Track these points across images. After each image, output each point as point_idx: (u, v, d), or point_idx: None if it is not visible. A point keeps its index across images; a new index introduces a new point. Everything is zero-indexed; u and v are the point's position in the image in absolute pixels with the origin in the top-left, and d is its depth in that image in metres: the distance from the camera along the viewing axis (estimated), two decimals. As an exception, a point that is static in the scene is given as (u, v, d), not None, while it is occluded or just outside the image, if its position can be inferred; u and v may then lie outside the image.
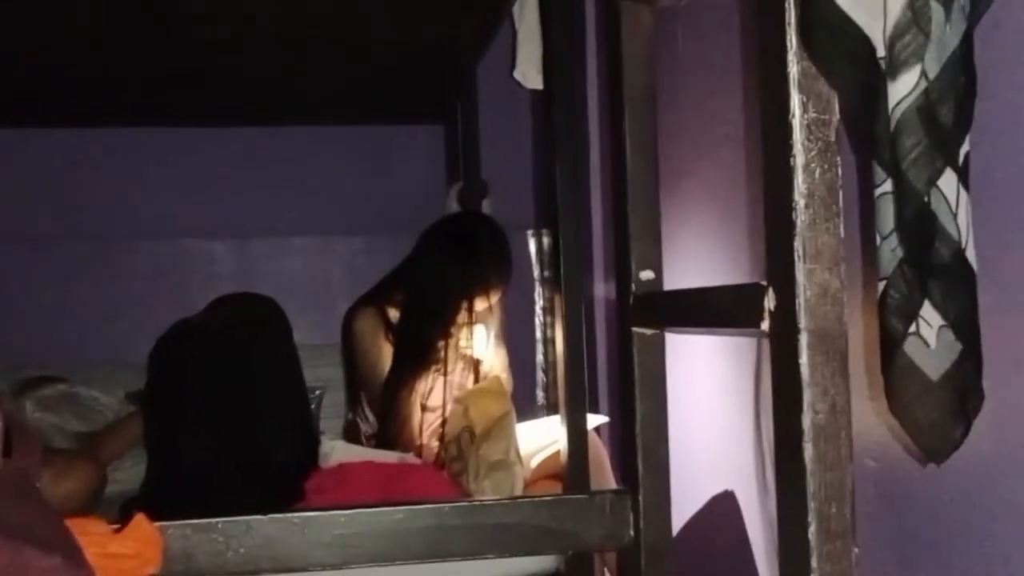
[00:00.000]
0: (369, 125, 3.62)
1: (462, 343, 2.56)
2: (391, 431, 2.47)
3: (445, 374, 2.54)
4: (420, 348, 2.51)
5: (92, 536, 0.96)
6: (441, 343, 2.52)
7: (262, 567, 1.38)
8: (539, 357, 3.06)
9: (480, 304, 2.54)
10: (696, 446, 2.14)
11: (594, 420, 2.35)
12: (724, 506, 2.04)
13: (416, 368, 2.49)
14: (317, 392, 2.96)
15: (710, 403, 2.10)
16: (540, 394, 3.07)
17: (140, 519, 1.11)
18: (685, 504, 2.10)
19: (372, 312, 2.60)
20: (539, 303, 3.04)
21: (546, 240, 2.96)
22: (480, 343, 2.57)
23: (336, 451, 2.13)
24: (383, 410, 2.50)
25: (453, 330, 2.53)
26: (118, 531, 1.08)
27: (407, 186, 2.91)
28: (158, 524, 1.26)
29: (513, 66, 2.63)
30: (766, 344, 1.06)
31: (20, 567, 0.78)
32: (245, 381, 2.10)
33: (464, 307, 2.52)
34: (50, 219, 3.47)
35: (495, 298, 2.57)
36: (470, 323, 2.54)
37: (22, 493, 0.86)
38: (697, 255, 2.13)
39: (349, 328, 2.63)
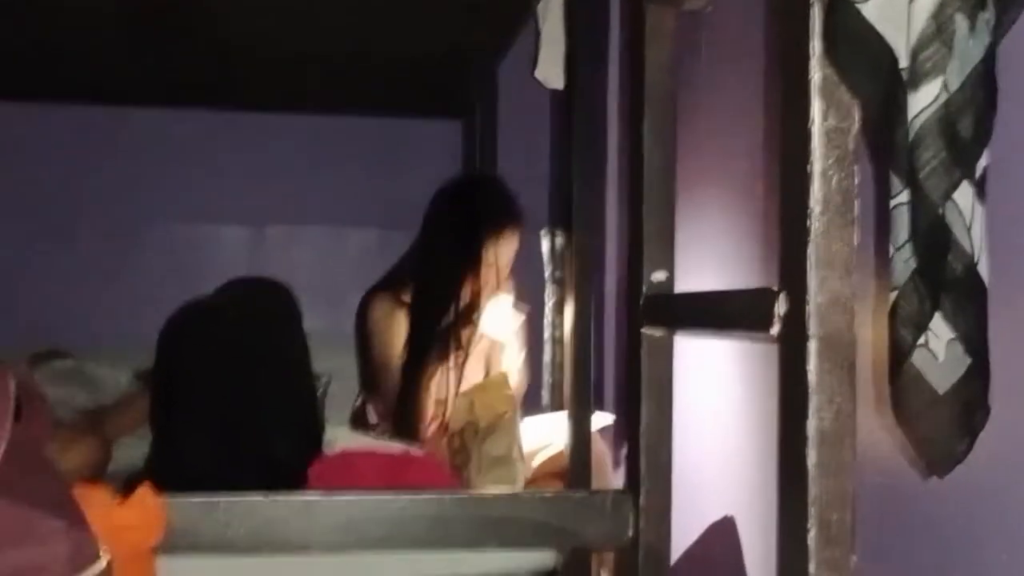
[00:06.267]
0: (387, 118, 3.63)
1: (480, 329, 2.58)
2: (407, 418, 2.48)
3: (465, 357, 2.55)
4: (434, 329, 2.53)
5: (97, 504, 0.97)
6: (458, 329, 2.53)
7: (262, 547, 1.39)
8: (546, 357, 3.06)
9: (494, 258, 2.55)
10: (703, 450, 2.14)
11: (600, 420, 2.35)
12: (726, 524, 2.04)
13: (431, 352, 2.51)
14: (323, 380, 2.96)
15: (722, 409, 2.10)
16: (545, 394, 3.07)
17: (145, 490, 1.12)
18: (687, 508, 2.10)
19: (387, 298, 2.62)
20: (549, 303, 3.04)
21: (559, 240, 2.96)
22: (499, 319, 2.58)
23: (340, 439, 2.13)
24: (400, 397, 2.51)
25: (470, 310, 2.54)
26: (123, 501, 1.09)
27: (422, 182, 2.91)
28: (163, 498, 1.27)
29: (535, 66, 2.63)
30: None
31: (26, 529, 0.78)
32: (251, 366, 2.10)
33: (472, 278, 2.54)
34: (66, 198, 3.48)
35: (507, 251, 2.58)
36: (480, 296, 2.55)
37: (31, 459, 0.87)
38: (710, 259, 2.13)
39: (365, 314, 2.64)
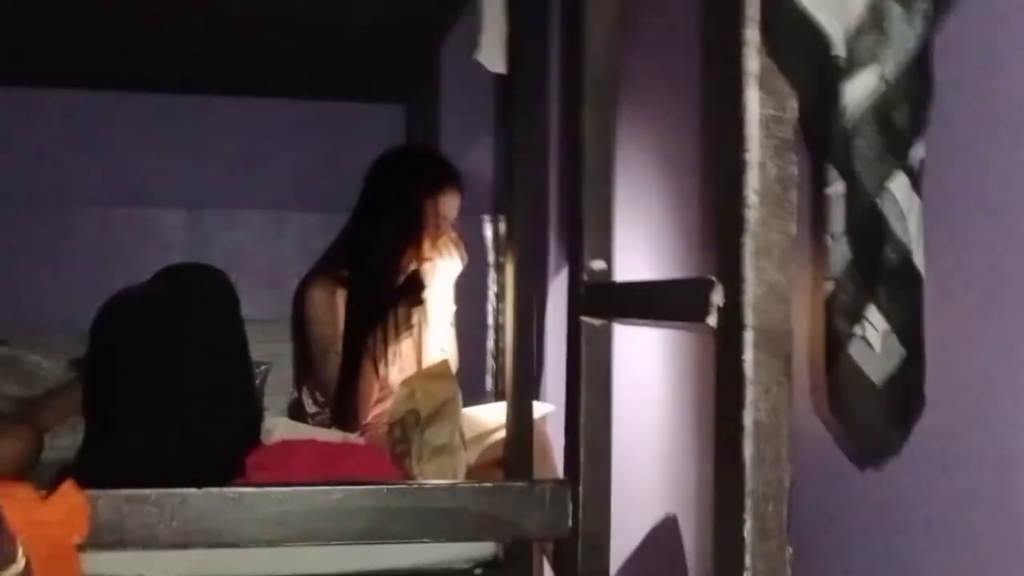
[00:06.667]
0: (330, 101, 3.59)
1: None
2: (348, 404, 2.46)
3: (411, 336, 2.54)
4: (375, 308, 2.51)
5: (18, 501, 0.94)
6: (403, 307, 2.52)
7: (195, 541, 1.36)
8: (489, 343, 3.05)
9: (436, 216, 2.54)
10: (642, 440, 2.14)
11: (541, 408, 2.34)
12: (665, 515, 2.04)
13: (373, 333, 2.48)
14: (263, 368, 2.93)
15: (660, 398, 2.10)
16: (489, 380, 3.06)
17: (68, 487, 1.09)
18: (626, 498, 2.10)
19: (326, 280, 2.59)
20: (492, 289, 3.03)
21: (502, 226, 2.95)
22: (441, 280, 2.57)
23: (279, 428, 2.10)
24: (341, 382, 2.48)
25: (413, 286, 2.53)
26: (46, 498, 1.05)
27: (364, 165, 2.88)
28: (90, 493, 1.24)
29: (477, 49, 2.61)
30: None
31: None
32: (187, 353, 2.06)
33: (413, 249, 2.53)
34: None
35: (448, 209, 2.59)
36: (423, 269, 2.54)
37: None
38: (649, 247, 2.13)
39: (303, 299, 2.61)
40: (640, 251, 2.15)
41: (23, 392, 2.78)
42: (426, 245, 2.56)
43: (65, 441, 2.50)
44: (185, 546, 1.37)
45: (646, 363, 2.14)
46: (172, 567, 1.69)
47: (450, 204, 2.60)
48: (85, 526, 1.10)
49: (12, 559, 0.81)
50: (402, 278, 2.55)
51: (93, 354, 2.14)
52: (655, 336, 2.09)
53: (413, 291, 2.53)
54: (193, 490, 1.35)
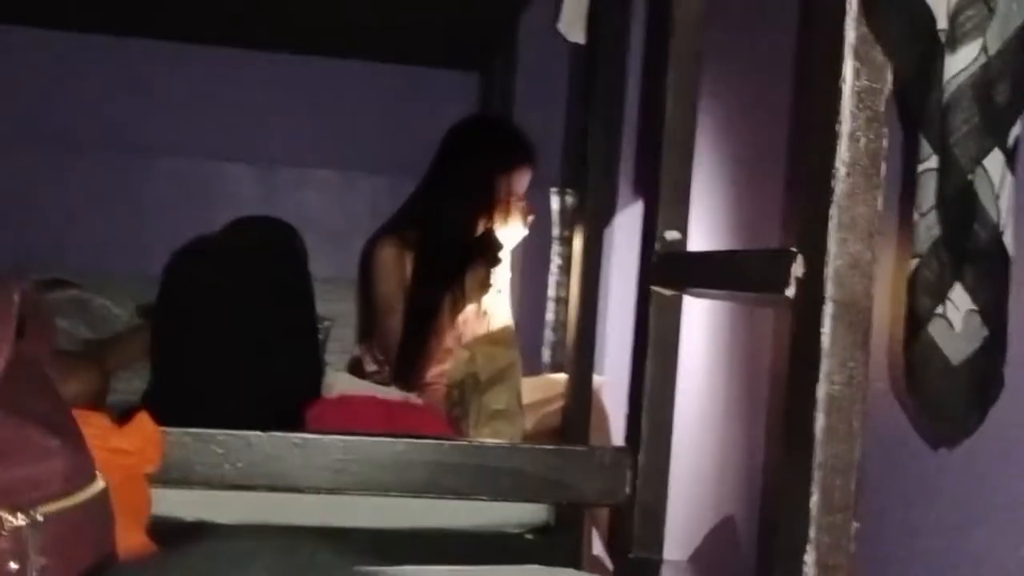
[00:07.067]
0: (405, 64, 3.59)
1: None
2: (409, 364, 2.47)
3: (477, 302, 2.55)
4: (445, 272, 2.51)
5: (94, 428, 0.96)
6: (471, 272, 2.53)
7: (258, 483, 1.38)
8: (549, 316, 3.05)
9: (506, 192, 2.56)
10: (701, 411, 2.13)
11: (596, 380, 2.34)
12: (722, 487, 2.03)
13: (442, 297, 2.49)
14: (325, 324, 2.95)
15: (720, 370, 2.09)
16: (547, 353, 3.06)
17: (143, 417, 1.11)
18: (683, 468, 2.09)
19: (394, 240, 2.60)
20: (556, 262, 3.03)
21: (569, 199, 2.94)
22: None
23: (339, 383, 2.13)
24: (404, 341, 2.50)
25: (483, 251, 2.54)
26: (121, 427, 1.08)
27: (436, 131, 2.88)
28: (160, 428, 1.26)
29: (557, 18, 2.60)
30: (781, 316, 1.05)
31: (22, 443, 0.77)
32: (254, 303, 2.09)
33: (484, 217, 2.55)
34: (80, 124, 3.45)
35: (519, 185, 2.60)
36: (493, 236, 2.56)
37: (32, 376, 0.86)
38: (721, 219, 2.11)
39: (370, 256, 2.62)
40: (710, 223, 2.13)
41: (91, 335, 2.83)
42: (496, 218, 2.57)
43: (130, 385, 2.54)
44: (249, 487, 1.39)
45: (709, 335, 2.13)
46: (231, 513, 1.72)
47: (522, 181, 2.61)
48: (158, 456, 1.12)
49: (92, 479, 0.83)
50: (477, 238, 2.56)
51: (164, 299, 2.17)
52: (719, 308, 2.08)
53: (491, 251, 2.53)
54: (259, 433, 1.37)
